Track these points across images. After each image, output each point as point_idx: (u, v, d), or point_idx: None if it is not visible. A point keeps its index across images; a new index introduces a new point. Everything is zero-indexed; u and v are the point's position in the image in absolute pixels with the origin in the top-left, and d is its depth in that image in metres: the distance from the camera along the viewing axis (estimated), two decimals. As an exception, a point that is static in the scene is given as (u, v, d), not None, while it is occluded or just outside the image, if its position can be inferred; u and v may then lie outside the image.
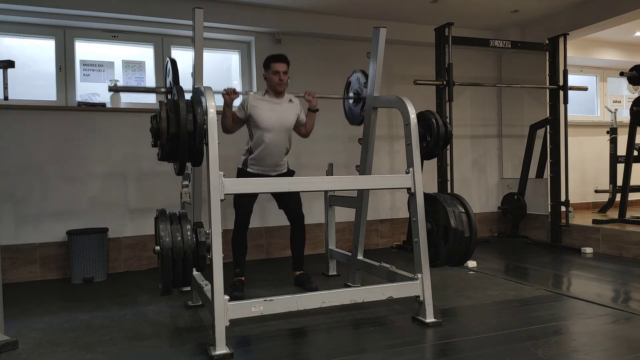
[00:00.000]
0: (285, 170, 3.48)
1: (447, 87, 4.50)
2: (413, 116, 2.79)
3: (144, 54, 4.61)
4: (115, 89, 3.40)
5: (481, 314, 2.91)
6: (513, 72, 5.78)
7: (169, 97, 3.12)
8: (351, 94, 3.58)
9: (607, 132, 5.79)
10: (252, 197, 3.42)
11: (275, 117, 3.32)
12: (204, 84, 2.59)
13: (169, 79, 3.08)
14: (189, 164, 2.50)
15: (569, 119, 5.01)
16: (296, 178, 3.25)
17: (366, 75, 3.41)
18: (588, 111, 6.91)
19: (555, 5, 4.95)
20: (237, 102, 3.38)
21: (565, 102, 4.96)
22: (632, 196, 5.62)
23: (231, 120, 3.33)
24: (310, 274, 3.61)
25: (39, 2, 3.95)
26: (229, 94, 3.19)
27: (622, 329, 2.55)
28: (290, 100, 3.44)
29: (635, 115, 5.17)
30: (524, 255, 4.69)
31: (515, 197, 5.43)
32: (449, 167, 4.53)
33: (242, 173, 3.42)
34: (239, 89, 4.92)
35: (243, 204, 3.38)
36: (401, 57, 5.30)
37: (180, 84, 2.78)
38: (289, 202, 3.49)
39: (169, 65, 3.07)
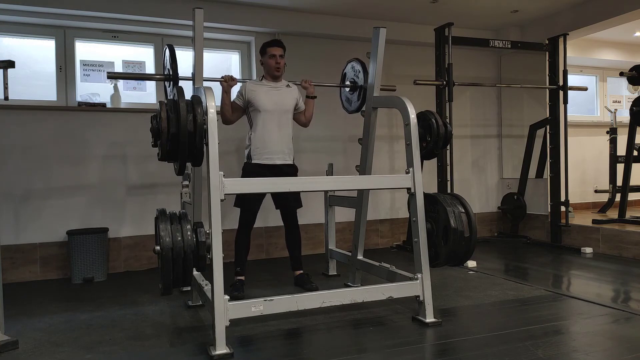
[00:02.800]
0: (290, 162, 3.45)
1: (447, 87, 4.50)
2: (413, 116, 2.79)
3: (144, 54, 4.61)
4: (113, 76, 3.40)
5: (481, 314, 2.91)
6: (513, 72, 5.78)
7: (167, 85, 3.12)
8: (347, 83, 3.62)
9: (607, 132, 5.79)
10: (259, 196, 3.42)
11: (274, 100, 3.36)
12: (204, 84, 2.59)
13: (168, 66, 3.08)
14: (189, 164, 2.50)
15: (568, 119, 5.01)
16: (296, 178, 3.25)
17: (360, 63, 3.46)
18: (588, 111, 6.91)
19: (555, 5, 4.95)
20: (235, 90, 3.41)
21: (565, 102, 4.96)
22: (632, 196, 5.62)
23: (230, 108, 3.36)
24: (310, 274, 3.61)
25: (39, 2, 3.95)
26: (227, 81, 3.25)
27: (622, 329, 2.55)
28: (288, 86, 3.49)
29: (635, 115, 5.17)
30: (523, 255, 4.69)
31: (515, 197, 5.43)
32: (449, 167, 4.53)
33: (247, 167, 3.40)
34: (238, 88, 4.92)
35: (249, 202, 3.38)
36: (401, 57, 5.30)
37: (180, 84, 2.78)
38: (287, 202, 3.49)
39: (167, 52, 3.07)
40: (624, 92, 7.09)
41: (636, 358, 2.15)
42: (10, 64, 2.71)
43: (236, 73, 4.95)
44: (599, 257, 4.46)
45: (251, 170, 3.35)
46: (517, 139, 5.72)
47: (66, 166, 4.15)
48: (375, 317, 2.81)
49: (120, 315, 2.97)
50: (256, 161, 3.35)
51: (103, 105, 4.33)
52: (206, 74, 3.04)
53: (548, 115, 5.10)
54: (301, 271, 3.57)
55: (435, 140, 3.07)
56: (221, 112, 3.33)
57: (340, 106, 3.82)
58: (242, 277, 3.41)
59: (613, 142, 5.69)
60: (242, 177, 3.40)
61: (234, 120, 3.44)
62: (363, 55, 3.43)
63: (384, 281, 2.94)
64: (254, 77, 4.81)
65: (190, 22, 2.99)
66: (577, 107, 6.37)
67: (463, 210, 2.78)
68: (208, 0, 4.25)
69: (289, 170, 3.41)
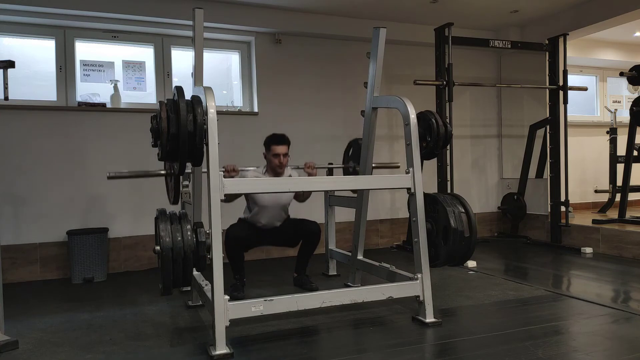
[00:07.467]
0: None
1: (447, 87, 4.51)
2: (413, 116, 2.79)
3: (144, 54, 4.61)
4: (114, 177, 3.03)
5: (481, 314, 2.91)
6: (513, 72, 5.78)
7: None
8: (351, 162, 3.68)
9: (607, 132, 5.79)
10: (250, 242, 3.39)
11: (273, 196, 3.37)
12: (204, 84, 2.59)
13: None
14: (189, 164, 2.50)
15: (568, 119, 5.02)
16: (296, 178, 3.25)
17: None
18: (588, 111, 6.91)
19: (555, 5, 4.95)
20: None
21: (565, 102, 4.96)
22: (632, 196, 5.62)
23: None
24: (310, 274, 3.61)
25: (39, 2, 3.95)
26: (229, 172, 3.14)
27: (622, 329, 2.55)
28: (290, 176, 3.43)
29: (635, 115, 5.17)
30: (523, 255, 4.69)
31: (515, 197, 5.43)
32: (449, 167, 4.53)
33: (242, 221, 3.47)
34: (238, 89, 4.92)
35: (240, 240, 3.31)
36: (401, 57, 5.30)
37: (180, 84, 2.78)
38: (304, 228, 3.45)
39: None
40: (624, 92, 7.09)
41: (636, 358, 2.15)
42: (10, 64, 2.71)
43: (236, 73, 4.95)
44: (599, 257, 4.46)
45: (246, 224, 3.42)
46: (517, 139, 5.72)
47: (66, 166, 4.15)
48: (375, 317, 2.81)
49: (120, 315, 2.97)
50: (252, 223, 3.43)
51: (103, 105, 4.33)
52: (206, 74, 3.04)
53: (548, 115, 5.10)
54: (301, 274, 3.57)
55: (435, 140, 3.06)
56: None
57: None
58: (243, 278, 3.40)
59: (613, 142, 5.69)
60: (235, 226, 3.38)
61: (232, 201, 3.25)
62: (363, 55, 3.43)
63: (384, 281, 2.94)
64: (254, 78, 4.82)
65: (190, 22, 2.99)
66: (577, 107, 6.37)
67: (463, 210, 2.79)
68: (208, 0, 4.25)
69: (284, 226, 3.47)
